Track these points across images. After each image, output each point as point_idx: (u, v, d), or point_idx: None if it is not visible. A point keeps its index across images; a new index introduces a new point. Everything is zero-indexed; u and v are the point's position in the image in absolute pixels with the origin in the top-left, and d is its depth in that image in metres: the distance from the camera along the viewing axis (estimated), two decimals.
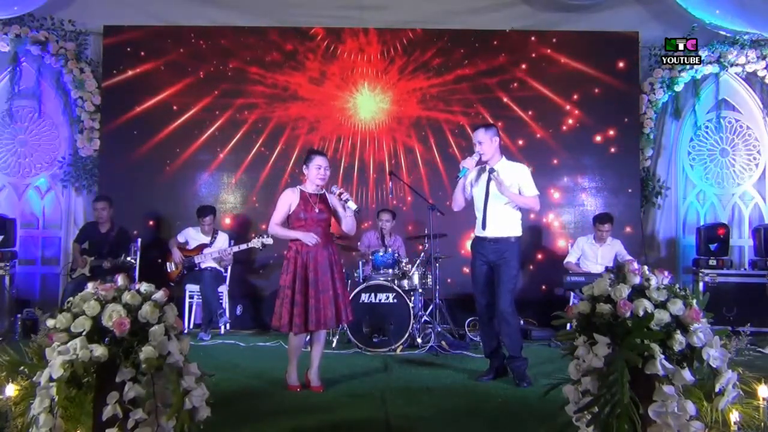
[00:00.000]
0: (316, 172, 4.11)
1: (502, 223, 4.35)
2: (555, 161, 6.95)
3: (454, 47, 6.96)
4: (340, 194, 4.11)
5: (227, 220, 6.89)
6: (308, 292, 3.99)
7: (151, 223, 6.84)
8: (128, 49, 6.85)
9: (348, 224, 4.19)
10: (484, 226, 4.35)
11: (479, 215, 4.41)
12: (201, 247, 6.32)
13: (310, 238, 4.02)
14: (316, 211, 4.09)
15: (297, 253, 4.05)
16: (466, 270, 5.54)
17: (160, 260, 6.48)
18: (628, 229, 6.82)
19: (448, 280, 6.57)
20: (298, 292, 3.98)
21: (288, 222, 4.17)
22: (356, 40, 6.98)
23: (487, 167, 4.38)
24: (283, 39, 6.94)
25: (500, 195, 4.31)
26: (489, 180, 4.34)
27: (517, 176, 4.40)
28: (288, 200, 4.13)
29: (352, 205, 4.09)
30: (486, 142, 4.35)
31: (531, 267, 6.91)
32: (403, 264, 5.85)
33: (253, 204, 6.90)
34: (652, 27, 7.00)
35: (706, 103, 7.15)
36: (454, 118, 6.94)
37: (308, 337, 4.45)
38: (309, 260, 4.03)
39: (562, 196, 6.98)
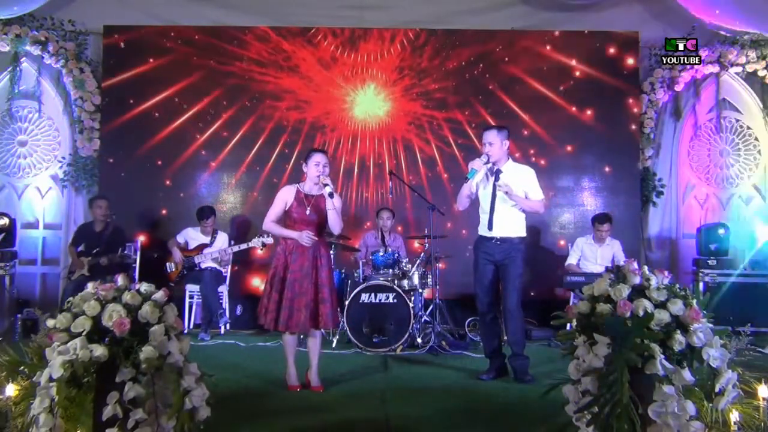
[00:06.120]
0: (314, 169, 4.08)
1: (508, 224, 4.39)
2: (555, 161, 6.94)
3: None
4: (323, 183, 4.04)
5: (227, 220, 6.88)
6: (283, 293, 3.98)
7: (151, 223, 6.83)
8: (128, 49, 6.84)
9: (331, 220, 4.07)
10: (490, 227, 4.37)
11: (485, 216, 4.43)
12: (201, 247, 6.32)
13: (305, 239, 4.00)
14: (307, 213, 4.07)
15: (283, 252, 4.07)
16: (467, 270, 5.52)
17: (157, 256, 6.49)
18: (627, 230, 6.81)
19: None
20: (275, 291, 3.99)
21: (284, 220, 4.16)
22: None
23: (495, 169, 4.38)
24: (284, 37, 6.93)
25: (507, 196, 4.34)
26: (496, 181, 4.35)
27: (524, 179, 4.43)
28: (284, 198, 4.13)
29: (327, 189, 4.01)
30: (496, 143, 4.37)
31: (531, 267, 6.88)
32: (403, 264, 5.85)
33: (253, 204, 6.88)
34: (652, 27, 7.00)
35: (706, 103, 7.14)
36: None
37: (302, 336, 4.42)
38: (291, 261, 4.02)
39: (562, 197, 6.97)
